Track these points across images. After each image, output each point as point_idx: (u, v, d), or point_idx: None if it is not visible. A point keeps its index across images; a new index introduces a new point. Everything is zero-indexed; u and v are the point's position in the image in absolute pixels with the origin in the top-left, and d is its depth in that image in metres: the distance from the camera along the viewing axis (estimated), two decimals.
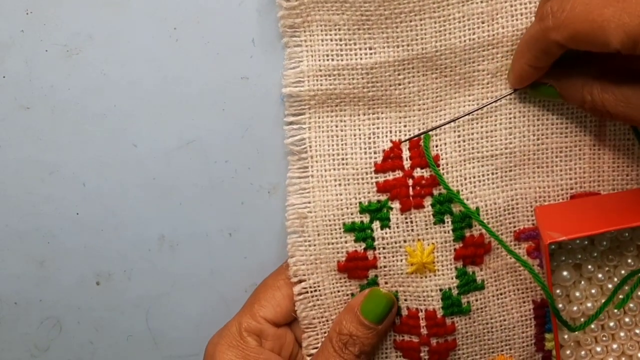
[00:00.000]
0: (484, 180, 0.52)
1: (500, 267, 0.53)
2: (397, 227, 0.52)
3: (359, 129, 0.53)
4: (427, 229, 0.52)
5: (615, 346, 0.53)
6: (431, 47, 0.50)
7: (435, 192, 0.52)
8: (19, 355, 0.60)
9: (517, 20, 0.49)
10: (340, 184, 0.53)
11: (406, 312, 0.54)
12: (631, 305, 0.52)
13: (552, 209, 0.52)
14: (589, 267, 0.52)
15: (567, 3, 0.42)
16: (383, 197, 0.52)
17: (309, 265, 0.54)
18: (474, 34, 0.50)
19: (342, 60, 0.51)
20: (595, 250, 0.52)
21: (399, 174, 0.52)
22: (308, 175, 0.53)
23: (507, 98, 0.51)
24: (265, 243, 0.57)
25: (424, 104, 0.52)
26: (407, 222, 0.52)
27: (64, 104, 0.54)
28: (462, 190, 0.52)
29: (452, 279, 0.53)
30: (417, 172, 0.52)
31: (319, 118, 0.53)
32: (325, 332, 0.54)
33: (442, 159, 0.52)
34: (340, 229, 0.53)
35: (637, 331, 0.52)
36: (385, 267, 0.53)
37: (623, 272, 0.52)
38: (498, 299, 0.53)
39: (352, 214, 0.53)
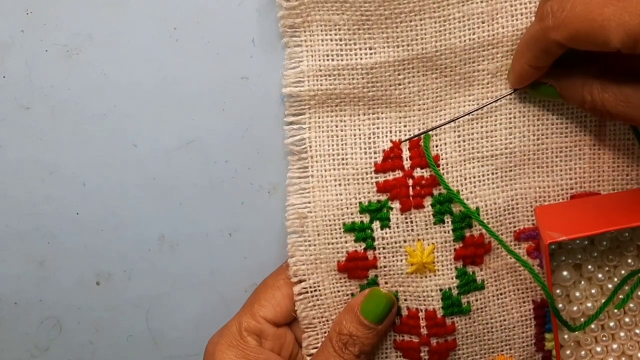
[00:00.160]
0: (484, 180, 0.52)
1: (500, 267, 0.53)
2: (397, 227, 0.52)
3: (359, 129, 0.53)
4: (427, 229, 0.52)
5: (615, 346, 0.53)
6: (431, 47, 0.50)
7: (435, 192, 0.52)
8: (19, 355, 0.60)
9: (517, 20, 0.49)
10: (340, 184, 0.53)
11: (406, 312, 0.54)
12: (631, 305, 0.52)
13: (552, 209, 0.52)
14: (589, 267, 0.52)
15: (567, 2, 0.42)
16: (383, 197, 0.52)
17: (309, 265, 0.54)
18: (474, 33, 0.50)
19: (342, 60, 0.51)
20: (595, 250, 0.52)
21: (399, 174, 0.52)
22: (308, 175, 0.53)
23: (507, 98, 0.51)
24: (265, 243, 0.57)
25: (424, 104, 0.52)
26: (407, 222, 0.52)
27: (64, 104, 0.54)
28: (462, 190, 0.52)
29: (452, 279, 0.53)
30: (417, 172, 0.52)
31: (319, 118, 0.53)
32: (325, 332, 0.54)
33: (442, 159, 0.52)
34: (340, 229, 0.53)
35: (637, 331, 0.52)
36: (385, 267, 0.53)
37: (623, 272, 0.52)
38: (498, 299, 0.53)
39: (352, 214, 0.53)
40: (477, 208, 0.52)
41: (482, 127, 0.52)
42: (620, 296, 0.52)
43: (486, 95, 0.51)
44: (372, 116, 0.53)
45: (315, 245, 0.53)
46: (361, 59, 0.51)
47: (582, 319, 0.52)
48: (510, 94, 0.51)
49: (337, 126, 0.53)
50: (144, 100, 0.54)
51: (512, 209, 0.52)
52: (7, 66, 0.53)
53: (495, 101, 0.51)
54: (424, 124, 0.52)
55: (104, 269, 0.58)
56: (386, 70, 0.51)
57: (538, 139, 0.52)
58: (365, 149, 0.53)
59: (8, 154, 0.55)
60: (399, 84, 0.52)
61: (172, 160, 0.55)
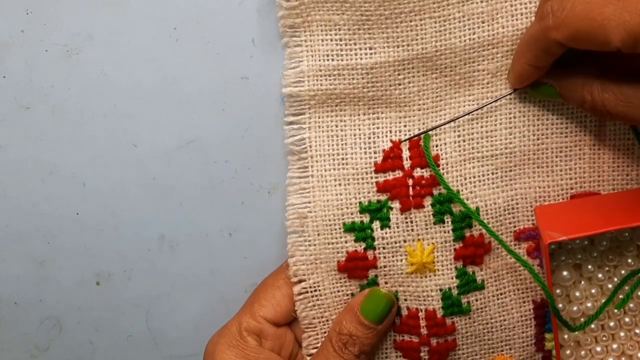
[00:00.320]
0: (484, 180, 0.52)
1: (500, 267, 0.53)
2: (397, 227, 0.52)
3: (359, 129, 0.53)
4: (427, 228, 0.52)
5: (615, 346, 0.53)
6: (431, 47, 0.50)
7: (435, 192, 0.52)
8: (19, 355, 0.60)
9: (517, 20, 0.49)
10: (340, 184, 0.53)
11: (406, 312, 0.54)
12: (631, 305, 0.52)
13: (552, 208, 0.52)
14: (589, 267, 0.52)
15: (567, 2, 0.42)
16: (383, 197, 0.52)
17: (309, 265, 0.54)
18: (474, 33, 0.50)
19: (342, 60, 0.51)
20: (595, 250, 0.52)
21: (399, 173, 0.52)
22: (308, 175, 0.53)
23: (507, 98, 0.51)
24: (265, 243, 0.57)
25: (424, 104, 0.52)
26: (407, 222, 0.52)
27: (64, 104, 0.54)
28: (462, 190, 0.52)
29: (452, 278, 0.53)
30: (417, 172, 0.52)
31: (319, 118, 0.53)
32: (325, 332, 0.54)
33: (442, 159, 0.52)
34: (340, 228, 0.53)
35: (637, 331, 0.52)
36: (385, 267, 0.53)
37: (623, 272, 0.52)
38: (498, 299, 0.53)
39: (352, 213, 0.53)
40: (477, 208, 0.52)
41: (482, 127, 0.52)
42: (620, 296, 0.52)
43: (486, 95, 0.51)
44: (372, 116, 0.53)
45: (315, 245, 0.53)
46: (361, 59, 0.51)
47: (582, 319, 0.52)
48: (510, 93, 0.51)
49: (337, 126, 0.53)
50: (144, 100, 0.54)
51: (512, 208, 0.52)
52: (7, 66, 0.53)
53: (495, 101, 0.51)
54: (424, 124, 0.52)
55: (104, 269, 0.58)
56: (386, 70, 0.51)
57: (538, 139, 0.52)
58: (365, 148, 0.53)
59: (8, 154, 0.55)
60: (399, 84, 0.52)
61: (172, 160, 0.55)
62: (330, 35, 0.51)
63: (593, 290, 0.52)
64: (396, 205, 0.52)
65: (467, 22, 0.50)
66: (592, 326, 0.52)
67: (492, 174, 0.52)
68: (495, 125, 0.51)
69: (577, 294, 0.52)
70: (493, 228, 0.52)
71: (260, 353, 0.52)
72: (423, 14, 0.50)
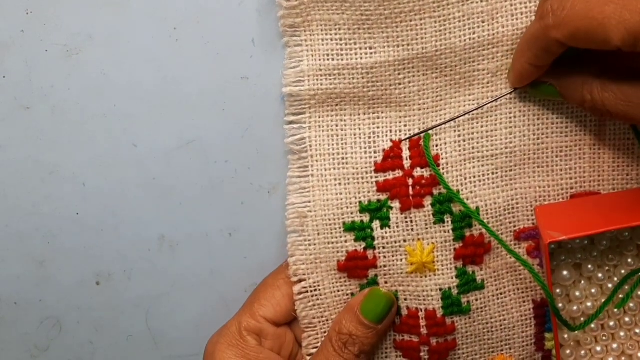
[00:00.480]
0: (484, 180, 0.52)
1: (500, 266, 0.53)
2: (397, 227, 0.52)
3: (359, 129, 0.53)
4: (427, 228, 0.52)
5: (615, 346, 0.53)
6: (431, 46, 0.50)
7: (435, 191, 0.52)
8: (19, 355, 0.60)
9: (517, 19, 0.49)
10: (340, 184, 0.53)
11: (406, 312, 0.54)
12: (631, 305, 0.52)
13: (552, 208, 0.52)
14: (589, 266, 0.52)
15: (567, 1, 0.42)
16: (383, 197, 0.52)
17: (309, 264, 0.54)
18: (474, 33, 0.50)
19: (342, 59, 0.51)
20: (595, 249, 0.52)
21: (399, 173, 0.52)
22: (308, 175, 0.53)
23: (507, 97, 0.51)
24: (265, 243, 0.57)
25: (424, 104, 0.52)
26: (407, 222, 0.52)
27: (64, 104, 0.54)
28: (462, 190, 0.52)
29: (452, 278, 0.53)
30: (417, 172, 0.52)
31: (319, 117, 0.53)
32: (325, 332, 0.54)
33: (442, 159, 0.52)
34: (340, 228, 0.53)
35: (637, 331, 0.52)
36: (385, 266, 0.53)
37: (623, 271, 0.52)
38: (498, 299, 0.53)
39: (352, 213, 0.53)
40: (477, 208, 0.52)
41: (482, 126, 0.52)
42: (620, 296, 0.52)
43: (486, 95, 0.51)
44: (373, 116, 0.53)
45: (315, 244, 0.53)
46: (361, 58, 0.51)
47: (582, 319, 0.52)
48: (511, 93, 0.51)
49: (337, 125, 0.53)
50: (144, 100, 0.54)
51: (512, 208, 0.52)
52: (7, 66, 0.53)
53: (495, 100, 0.51)
54: (424, 123, 0.52)
55: (104, 269, 0.58)
56: (386, 70, 0.51)
57: (538, 139, 0.52)
58: (365, 148, 0.53)
59: (8, 154, 0.55)
60: (399, 84, 0.52)
61: (172, 160, 0.55)
62: (331, 34, 0.51)
63: (593, 290, 0.52)
64: (396, 204, 0.52)
65: (467, 21, 0.50)
66: (592, 326, 0.52)
67: (492, 173, 0.52)
68: (496, 125, 0.51)
69: (577, 293, 0.52)
70: (493, 228, 0.52)
71: (260, 353, 0.52)
72: (423, 13, 0.50)
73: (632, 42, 0.40)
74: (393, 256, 0.53)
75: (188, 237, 0.57)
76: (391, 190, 0.52)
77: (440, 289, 0.53)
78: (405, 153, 0.52)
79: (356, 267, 0.53)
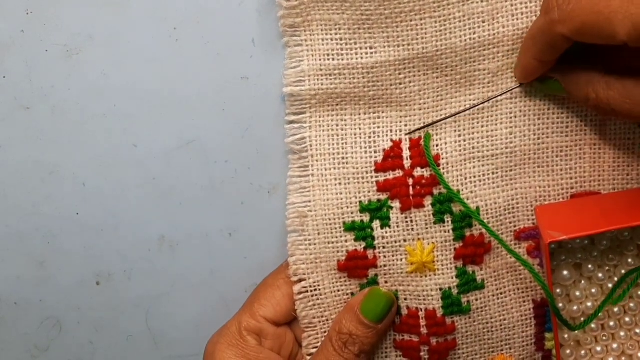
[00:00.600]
0: (484, 180, 0.52)
1: (500, 266, 0.53)
2: (397, 227, 0.52)
3: (360, 128, 0.53)
4: (427, 228, 0.52)
5: (615, 346, 0.53)
6: (432, 46, 0.50)
7: (436, 191, 0.52)
8: (19, 355, 0.60)
9: (517, 19, 0.49)
10: (340, 183, 0.53)
11: (406, 312, 0.54)
12: (631, 304, 0.52)
13: (553, 208, 0.52)
14: (589, 266, 0.52)
15: None
16: (383, 197, 0.52)
17: (309, 264, 0.54)
18: (474, 33, 0.50)
19: (342, 59, 0.51)
20: (595, 249, 0.52)
21: (399, 173, 0.52)
22: (308, 174, 0.53)
23: (508, 97, 0.51)
24: (265, 243, 0.57)
25: (424, 104, 0.52)
26: (407, 222, 0.52)
27: (64, 104, 0.54)
28: (462, 190, 0.52)
29: (452, 278, 0.53)
30: (418, 172, 0.52)
31: (319, 117, 0.53)
32: (325, 332, 0.54)
33: (443, 159, 0.52)
34: (340, 228, 0.53)
35: (637, 331, 0.52)
36: (385, 266, 0.53)
37: (623, 271, 0.52)
38: (498, 299, 0.53)
39: (352, 213, 0.53)
40: (478, 207, 0.52)
41: (482, 126, 0.52)
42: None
43: (487, 95, 0.51)
44: (373, 115, 0.53)
45: (315, 244, 0.53)
46: (362, 58, 0.51)
47: (582, 319, 0.52)
48: (516, 88, 0.51)
49: (337, 125, 0.53)
50: (144, 100, 0.54)
51: (513, 208, 0.52)
52: (7, 66, 0.53)
53: (501, 94, 0.51)
54: (424, 123, 0.52)
55: (104, 269, 0.58)
56: (387, 70, 0.51)
57: (539, 139, 0.52)
58: (365, 148, 0.53)
59: (8, 154, 0.55)
60: (400, 84, 0.52)
61: (172, 160, 0.55)
62: (331, 34, 0.51)
63: (593, 290, 0.52)
64: (396, 204, 0.52)
65: (467, 21, 0.50)
66: (592, 326, 0.52)
67: (493, 173, 0.52)
68: (496, 124, 0.52)
69: (578, 293, 0.52)
70: (493, 228, 0.52)
71: (260, 352, 0.52)
72: (423, 13, 0.50)
73: (638, 37, 0.39)
74: (393, 256, 0.53)
75: (188, 237, 0.57)
76: (391, 190, 0.52)
77: (441, 289, 0.53)
78: (406, 153, 0.52)
79: (356, 266, 0.53)
